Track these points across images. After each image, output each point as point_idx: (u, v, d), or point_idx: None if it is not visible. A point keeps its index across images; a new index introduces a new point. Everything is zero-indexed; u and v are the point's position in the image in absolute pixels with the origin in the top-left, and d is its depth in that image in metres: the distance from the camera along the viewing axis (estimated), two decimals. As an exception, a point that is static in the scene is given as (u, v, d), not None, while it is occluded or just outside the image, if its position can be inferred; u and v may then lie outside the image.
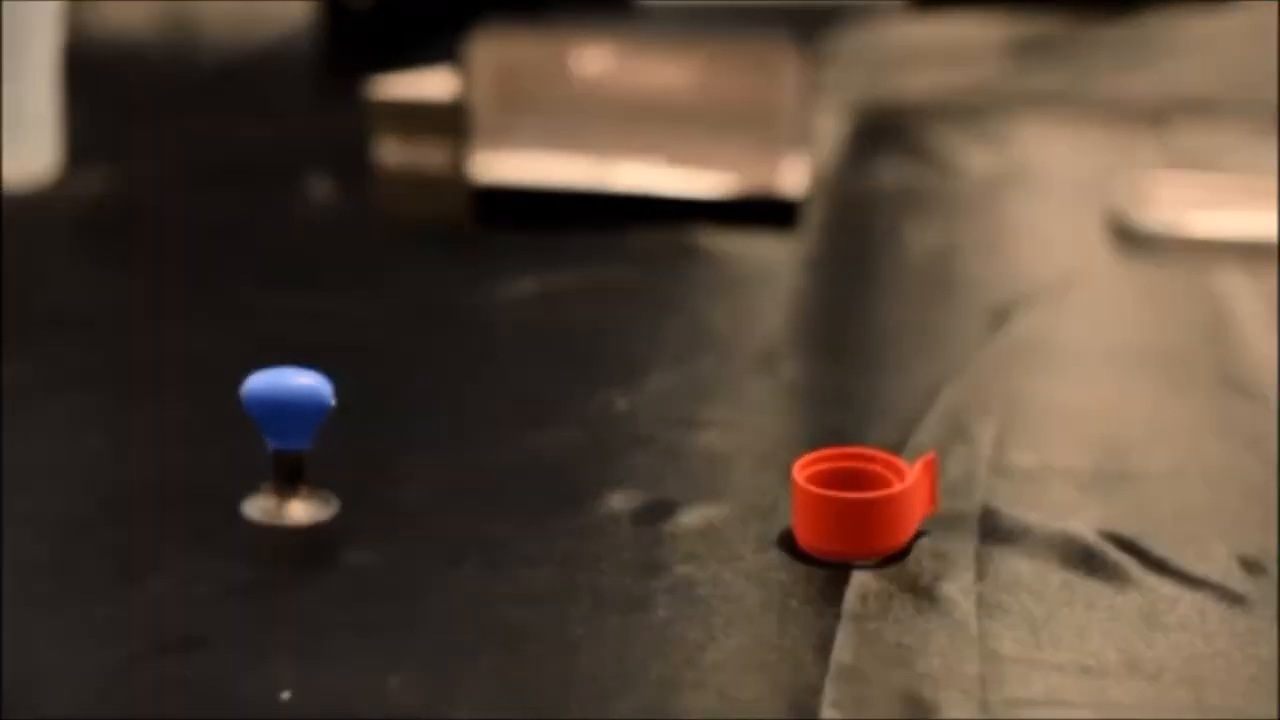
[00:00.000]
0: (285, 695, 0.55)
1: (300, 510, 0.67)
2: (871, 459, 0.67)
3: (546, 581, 0.62)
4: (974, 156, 1.22)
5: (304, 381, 0.65)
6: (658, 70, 1.12)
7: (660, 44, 1.15)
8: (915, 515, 0.65)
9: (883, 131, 1.28)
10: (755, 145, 1.08)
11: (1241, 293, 0.95)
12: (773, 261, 1.03)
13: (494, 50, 1.10)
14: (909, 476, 0.65)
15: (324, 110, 1.34)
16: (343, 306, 0.92)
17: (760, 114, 1.08)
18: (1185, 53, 1.50)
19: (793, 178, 1.08)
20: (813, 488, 0.65)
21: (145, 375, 0.83)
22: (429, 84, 1.08)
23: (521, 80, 1.11)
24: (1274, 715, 0.55)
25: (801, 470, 0.66)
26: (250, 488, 0.67)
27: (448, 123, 1.05)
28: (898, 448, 0.72)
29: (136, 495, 0.70)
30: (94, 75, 1.28)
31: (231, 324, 0.90)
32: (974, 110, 1.33)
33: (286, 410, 0.65)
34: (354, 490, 0.68)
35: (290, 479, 0.67)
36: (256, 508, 0.67)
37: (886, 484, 0.66)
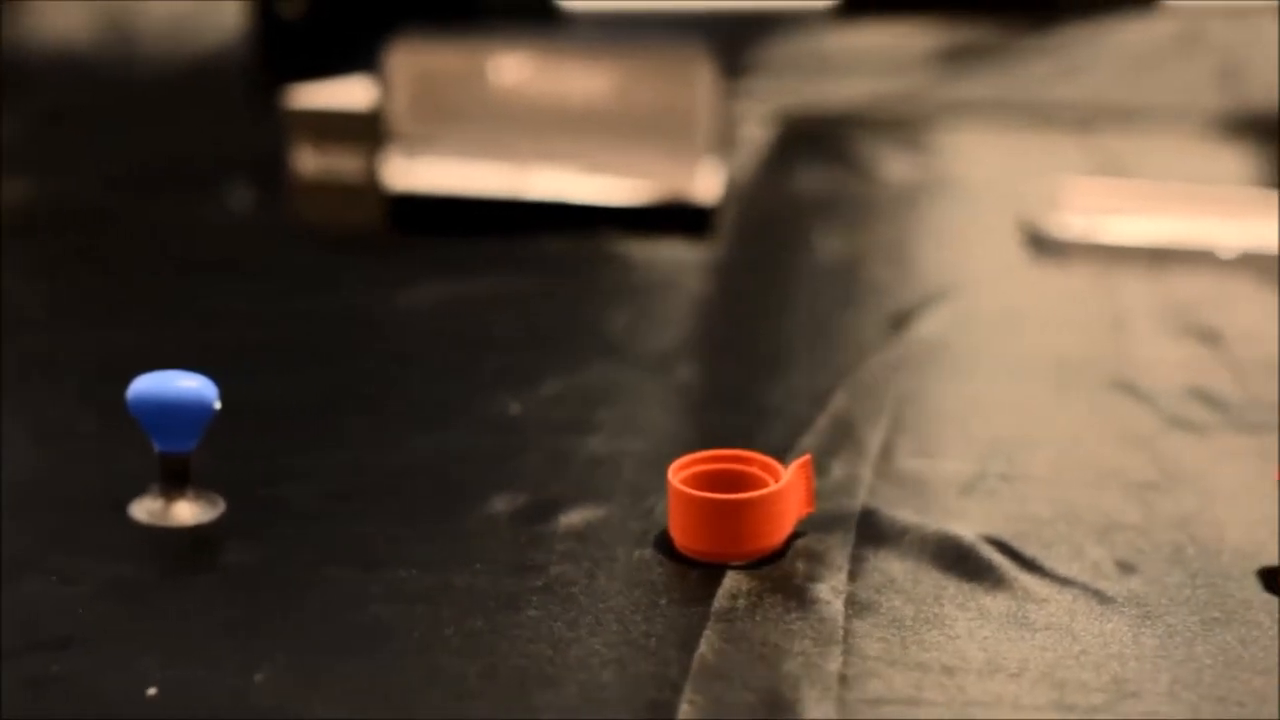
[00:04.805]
0: (151, 692, 0.55)
1: (186, 511, 0.67)
2: (748, 461, 0.68)
3: (422, 582, 0.63)
4: (896, 164, 1.23)
5: (188, 384, 0.66)
6: (575, 78, 1.12)
7: (578, 52, 1.15)
8: (790, 516, 0.66)
9: (806, 139, 1.29)
10: (670, 153, 1.09)
11: (1141, 297, 0.96)
12: (682, 267, 1.04)
13: (412, 58, 1.10)
14: (783, 478, 0.66)
15: (250, 119, 1.35)
16: (256, 310, 0.93)
17: (676, 121, 1.09)
18: (1111, 60, 1.51)
19: (707, 185, 1.09)
20: (685, 488, 0.65)
21: (52, 376, 0.84)
22: (345, 93, 1.09)
23: (440, 88, 1.11)
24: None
25: (677, 472, 0.66)
26: (141, 490, 0.68)
27: (363, 131, 1.05)
28: (786, 451, 0.73)
29: (20, 498, 0.70)
30: (25, 83, 1.29)
31: (144, 328, 0.90)
32: (900, 118, 1.34)
33: (171, 412, 0.66)
34: (242, 491, 0.69)
35: (176, 480, 0.67)
36: (142, 509, 0.67)
37: (762, 486, 0.66)
